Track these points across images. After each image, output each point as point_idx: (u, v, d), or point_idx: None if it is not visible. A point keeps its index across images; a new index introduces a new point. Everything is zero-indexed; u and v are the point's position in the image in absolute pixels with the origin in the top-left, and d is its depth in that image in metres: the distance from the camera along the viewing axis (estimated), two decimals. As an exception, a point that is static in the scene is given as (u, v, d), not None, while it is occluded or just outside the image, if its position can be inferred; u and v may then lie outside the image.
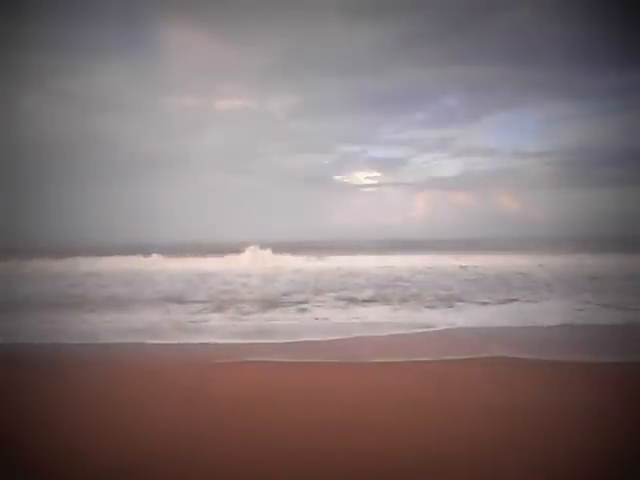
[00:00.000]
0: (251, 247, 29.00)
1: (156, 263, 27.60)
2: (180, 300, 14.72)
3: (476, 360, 7.67)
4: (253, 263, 27.02)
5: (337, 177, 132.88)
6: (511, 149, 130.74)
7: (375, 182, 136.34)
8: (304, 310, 12.66)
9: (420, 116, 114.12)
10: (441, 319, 11.21)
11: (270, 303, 13.93)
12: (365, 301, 14.21)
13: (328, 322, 11.15)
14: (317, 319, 11.52)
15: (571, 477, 3.86)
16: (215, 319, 11.64)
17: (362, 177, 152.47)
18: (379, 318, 11.52)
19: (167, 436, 4.70)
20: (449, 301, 13.83)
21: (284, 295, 15.65)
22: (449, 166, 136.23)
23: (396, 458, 4.16)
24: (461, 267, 24.70)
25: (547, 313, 11.62)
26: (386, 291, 16.21)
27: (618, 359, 7.54)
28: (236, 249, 28.92)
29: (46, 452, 4.34)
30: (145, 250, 29.70)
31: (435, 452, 4.26)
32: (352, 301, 14.18)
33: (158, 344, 9.17)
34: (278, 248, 30.01)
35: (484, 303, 13.53)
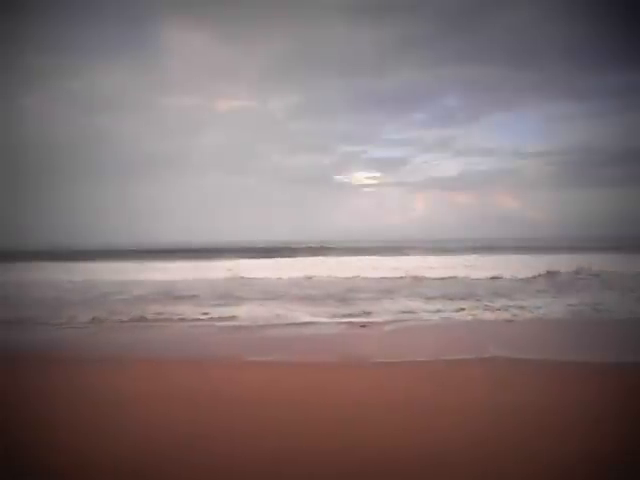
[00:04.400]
0: None
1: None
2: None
3: (476, 360, 7.67)
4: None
5: (337, 177, 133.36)
6: (511, 149, 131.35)
7: (375, 182, 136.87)
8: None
9: (420, 116, 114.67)
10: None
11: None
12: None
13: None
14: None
15: (570, 477, 3.86)
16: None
17: (362, 177, 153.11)
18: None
19: (169, 436, 4.69)
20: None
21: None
22: (449, 166, 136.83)
23: (396, 458, 4.15)
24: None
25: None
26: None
27: (617, 359, 7.54)
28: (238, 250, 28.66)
29: (46, 452, 4.33)
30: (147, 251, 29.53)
31: (435, 452, 4.26)
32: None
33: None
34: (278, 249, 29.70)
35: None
